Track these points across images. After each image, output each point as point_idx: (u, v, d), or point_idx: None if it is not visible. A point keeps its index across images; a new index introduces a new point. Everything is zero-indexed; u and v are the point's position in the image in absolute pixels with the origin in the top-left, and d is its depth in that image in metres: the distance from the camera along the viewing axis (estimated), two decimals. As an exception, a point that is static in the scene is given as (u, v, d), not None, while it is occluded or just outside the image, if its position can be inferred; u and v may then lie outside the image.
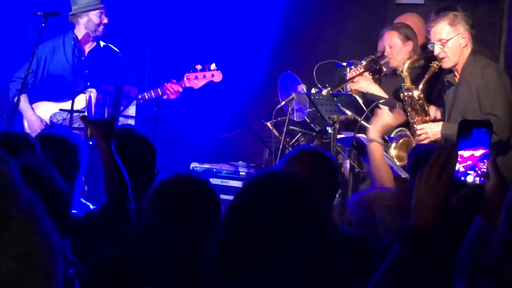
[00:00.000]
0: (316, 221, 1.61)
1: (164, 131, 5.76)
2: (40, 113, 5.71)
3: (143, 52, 6.06)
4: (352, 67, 5.62)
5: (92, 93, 5.30)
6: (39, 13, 5.38)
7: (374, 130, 4.34)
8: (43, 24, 5.33)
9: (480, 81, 4.79)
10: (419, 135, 4.92)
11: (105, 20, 5.81)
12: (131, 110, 5.32)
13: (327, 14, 7.07)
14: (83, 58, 5.88)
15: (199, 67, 5.81)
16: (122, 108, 5.15)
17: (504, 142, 4.74)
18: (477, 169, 1.71)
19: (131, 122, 5.40)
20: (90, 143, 3.05)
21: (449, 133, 4.76)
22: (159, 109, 5.31)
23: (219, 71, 5.83)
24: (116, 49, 5.92)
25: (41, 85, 5.80)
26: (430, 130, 4.87)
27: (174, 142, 6.59)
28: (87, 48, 5.90)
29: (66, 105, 5.32)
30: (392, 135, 5.19)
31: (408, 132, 5.13)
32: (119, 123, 5.09)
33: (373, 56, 5.77)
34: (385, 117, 4.47)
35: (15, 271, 0.89)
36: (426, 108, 5.03)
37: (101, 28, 5.80)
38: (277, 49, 6.84)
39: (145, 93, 5.63)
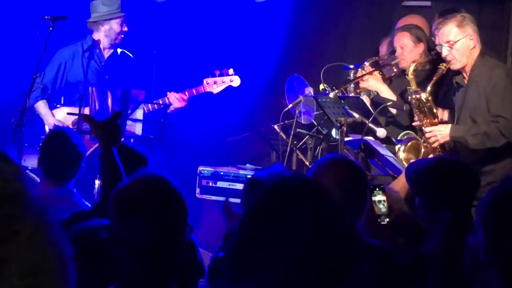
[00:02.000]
0: (334, 228, 1.61)
1: (171, 135, 5.77)
2: (61, 118, 5.75)
3: (150, 56, 6.08)
4: (359, 69, 5.62)
5: (95, 92, 5.38)
6: (46, 17, 5.40)
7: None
8: (50, 28, 5.35)
9: (488, 82, 4.78)
10: (428, 138, 4.91)
11: (125, 28, 5.89)
12: (139, 114, 5.33)
13: (333, 17, 7.07)
14: (102, 64, 5.92)
15: (217, 72, 5.85)
16: (129, 111, 5.16)
17: (513, 144, 4.72)
18: None
19: (139, 125, 5.41)
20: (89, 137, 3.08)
21: (458, 135, 4.75)
22: (166, 112, 5.32)
23: (237, 76, 5.87)
24: (131, 55, 5.98)
25: (61, 90, 5.85)
26: (439, 133, 4.85)
27: (182, 145, 6.60)
28: (106, 54, 5.96)
29: (87, 110, 5.39)
30: (399, 137, 5.18)
31: (415, 135, 5.12)
32: (127, 126, 5.13)
33: (376, 58, 5.77)
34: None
35: (27, 282, 0.87)
36: (434, 110, 5.02)
37: (121, 36, 5.88)
38: (284, 52, 6.84)
39: (150, 104, 5.64)
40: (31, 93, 5.47)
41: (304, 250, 1.54)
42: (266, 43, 6.84)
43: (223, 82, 5.86)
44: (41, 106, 5.77)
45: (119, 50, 5.97)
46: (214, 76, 5.85)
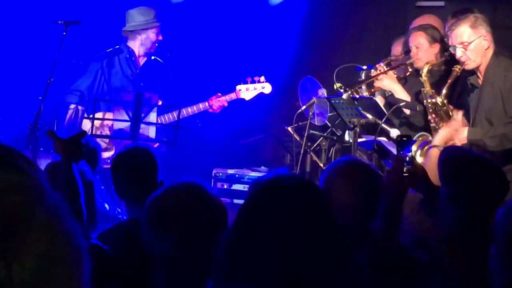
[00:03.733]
0: (325, 226, 1.61)
1: (185, 138, 5.78)
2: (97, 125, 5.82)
3: (164, 58, 6.11)
4: (372, 70, 5.60)
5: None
6: (60, 21, 5.44)
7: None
8: (64, 33, 5.38)
9: (504, 83, 4.74)
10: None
11: (160, 37, 5.98)
12: (152, 117, 5.34)
13: (347, 18, 7.06)
14: (137, 71, 6.00)
15: (249, 79, 5.93)
16: (143, 115, 5.18)
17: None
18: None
19: (152, 129, 5.43)
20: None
21: (476, 138, 4.69)
22: (179, 116, 5.33)
23: (269, 83, 5.93)
24: (161, 61, 6.06)
25: (104, 96, 5.91)
26: (456, 137, 4.81)
27: (196, 148, 6.61)
28: (140, 61, 6.04)
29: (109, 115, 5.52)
30: (414, 138, 5.15)
31: (431, 137, 5.08)
32: (140, 130, 5.16)
33: (391, 58, 5.75)
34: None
35: (40, 269, 0.89)
36: (450, 113, 4.98)
37: (156, 45, 5.98)
38: (297, 54, 6.84)
39: (188, 108, 5.70)
40: (65, 96, 5.52)
41: (295, 246, 1.55)
42: (279, 45, 6.84)
43: (255, 89, 5.93)
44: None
45: (152, 57, 6.06)
46: (246, 83, 5.93)
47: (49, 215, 0.93)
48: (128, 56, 5.99)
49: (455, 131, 4.73)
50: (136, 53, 6.01)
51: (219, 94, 5.86)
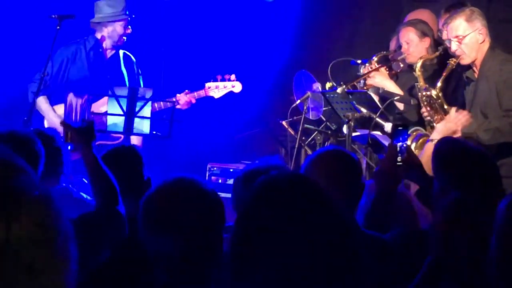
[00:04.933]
0: (326, 218, 1.59)
1: (179, 132, 5.77)
2: (61, 114, 5.76)
3: (159, 55, 6.09)
4: (367, 64, 5.60)
5: (72, 98, 5.45)
6: (53, 16, 5.41)
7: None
8: (58, 27, 5.36)
9: (499, 77, 4.73)
10: None
11: (129, 31, 5.91)
12: (146, 111, 5.32)
13: (341, 11, 7.05)
14: (104, 64, 5.94)
15: (219, 77, 5.85)
16: (137, 109, 5.17)
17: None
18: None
19: (146, 123, 5.41)
20: (69, 147, 3.27)
21: (470, 131, 4.69)
22: (174, 110, 5.32)
23: (239, 82, 5.86)
24: (133, 57, 6.01)
25: (61, 87, 5.85)
26: (457, 126, 4.80)
27: (190, 142, 6.61)
28: (108, 54, 5.98)
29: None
30: (408, 133, 5.15)
31: (425, 131, 5.08)
32: (134, 124, 5.15)
33: (384, 52, 5.75)
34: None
35: (34, 233, 1.06)
36: (445, 106, 4.98)
37: (123, 38, 5.91)
38: (292, 48, 6.83)
39: (156, 104, 5.64)
40: (28, 84, 5.48)
41: (301, 246, 1.53)
42: (274, 40, 6.84)
43: (224, 87, 5.84)
44: (42, 102, 5.78)
45: (121, 52, 5.99)
46: (216, 80, 5.84)
47: (45, 197, 1.11)
48: (95, 48, 5.91)
49: (454, 123, 4.71)
50: (104, 45, 5.93)
51: (187, 90, 5.80)
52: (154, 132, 5.35)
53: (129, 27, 5.90)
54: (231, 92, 5.89)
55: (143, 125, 5.39)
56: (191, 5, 6.86)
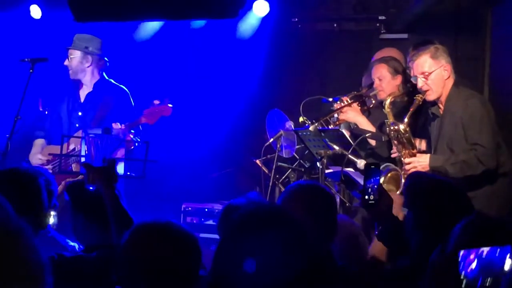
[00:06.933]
0: (302, 248, 1.67)
1: (154, 172, 5.77)
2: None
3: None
4: (338, 102, 5.67)
5: (89, 137, 5.39)
6: (26, 59, 5.44)
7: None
8: (31, 70, 5.38)
9: (465, 112, 4.83)
10: (408, 169, 4.93)
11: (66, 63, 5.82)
12: (120, 153, 5.33)
13: (312, 51, 7.16)
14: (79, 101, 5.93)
15: (157, 102, 5.62)
16: (112, 150, 5.17)
17: (492, 171, 4.75)
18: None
19: (120, 164, 5.41)
20: (91, 188, 3.17)
21: (438, 165, 4.78)
22: (147, 149, 5.32)
23: (170, 105, 5.59)
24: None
25: (52, 126, 5.91)
26: (418, 163, 4.88)
27: (165, 182, 6.60)
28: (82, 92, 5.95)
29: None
30: (380, 168, 5.21)
31: (394, 166, 5.14)
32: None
33: (355, 92, 5.83)
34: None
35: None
36: (413, 141, 5.06)
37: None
38: (264, 87, 6.90)
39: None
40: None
41: (277, 270, 1.60)
42: (246, 79, 6.91)
43: (157, 112, 5.58)
44: (35, 145, 5.83)
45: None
46: (154, 106, 5.61)
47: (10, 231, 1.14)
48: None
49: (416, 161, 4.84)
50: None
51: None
52: (128, 173, 5.35)
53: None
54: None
55: (117, 167, 5.39)
56: (163, 45, 6.93)
